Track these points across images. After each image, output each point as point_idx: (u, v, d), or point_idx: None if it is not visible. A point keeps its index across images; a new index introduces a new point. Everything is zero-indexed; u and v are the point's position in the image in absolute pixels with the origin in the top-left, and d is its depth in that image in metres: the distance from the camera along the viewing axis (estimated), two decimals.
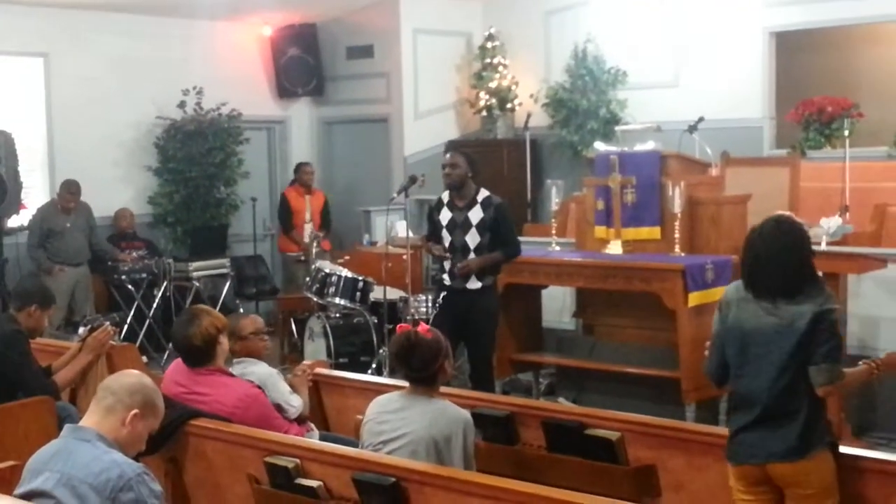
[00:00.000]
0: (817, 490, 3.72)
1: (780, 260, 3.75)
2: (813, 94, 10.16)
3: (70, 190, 9.37)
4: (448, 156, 7.09)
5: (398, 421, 4.04)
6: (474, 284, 6.79)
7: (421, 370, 4.10)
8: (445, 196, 6.95)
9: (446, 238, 6.84)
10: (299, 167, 11.11)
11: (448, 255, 6.80)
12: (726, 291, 4.02)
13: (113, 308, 9.87)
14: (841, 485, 3.75)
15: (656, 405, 6.66)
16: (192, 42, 11.20)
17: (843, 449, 3.86)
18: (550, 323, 8.15)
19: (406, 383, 4.21)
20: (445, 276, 6.85)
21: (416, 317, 7.60)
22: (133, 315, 9.72)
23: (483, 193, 6.92)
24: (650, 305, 6.97)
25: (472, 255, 6.78)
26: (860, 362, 3.91)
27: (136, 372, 3.67)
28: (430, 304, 7.19)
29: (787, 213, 4.08)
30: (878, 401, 7.01)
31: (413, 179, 7.60)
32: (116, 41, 10.64)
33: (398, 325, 4.29)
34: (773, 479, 3.76)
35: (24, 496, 3.46)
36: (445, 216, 6.88)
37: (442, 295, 6.84)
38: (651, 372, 7.02)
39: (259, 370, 4.83)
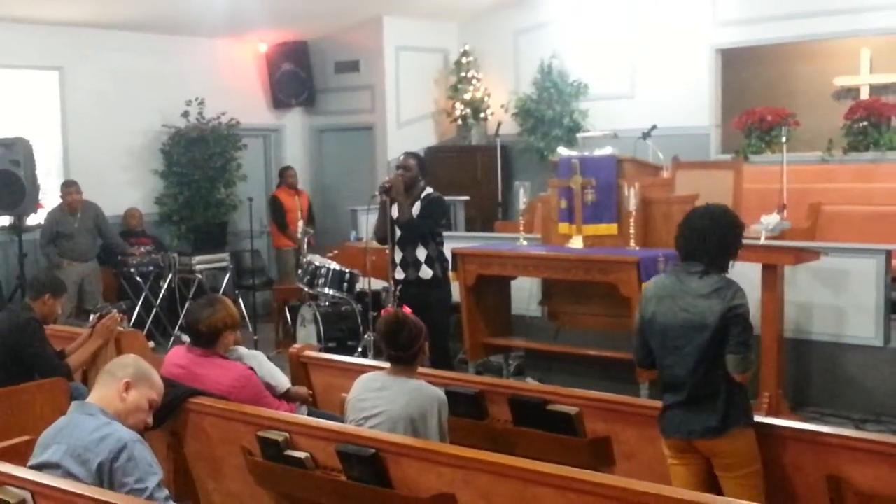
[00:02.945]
0: (738, 459, 3.75)
1: (715, 227, 3.80)
2: (755, 104, 10.21)
3: (69, 189, 9.26)
4: (402, 157, 7.13)
5: (379, 399, 4.02)
6: (426, 274, 6.85)
7: (406, 348, 4.08)
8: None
9: (397, 231, 6.88)
10: (284, 171, 11.01)
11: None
12: (646, 288, 4.05)
13: (123, 298, 9.80)
14: (764, 451, 3.78)
15: (614, 384, 6.63)
16: (194, 57, 11.15)
17: (761, 419, 3.91)
18: (519, 311, 8.12)
19: (387, 364, 4.19)
20: (397, 270, 6.88)
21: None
22: (141, 304, 9.66)
23: (427, 191, 6.96)
24: (608, 294, 6.96)
25: (419, 248, 6.88)
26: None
27: (131, 355, 3.67)
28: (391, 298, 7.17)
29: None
30: (812, 377, 7.05)
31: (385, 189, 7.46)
32: (125, 56, 10.57)
33: (383, 310, 4.28)
34: (697, 450, 3.81)
35: (35, 467, 3.44)
36: (395, 211, 6.91)
37: (397, 289, 6.85)
38: (609, 354, 7.00)
39: (245, 352, 4.81)
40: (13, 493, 3.36)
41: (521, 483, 3.31)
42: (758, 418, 3.88)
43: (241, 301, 10.03)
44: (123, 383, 3.54)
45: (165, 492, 3.45)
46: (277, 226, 10.80)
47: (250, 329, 9.53)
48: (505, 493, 3.35)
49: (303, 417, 4.32)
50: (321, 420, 4.14)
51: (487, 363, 8.15)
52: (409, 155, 7.16)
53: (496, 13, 11.58)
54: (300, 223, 10.41)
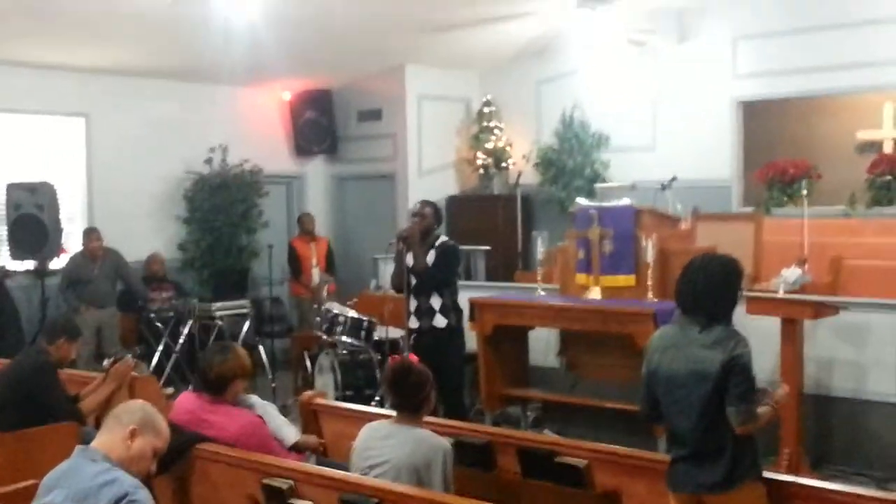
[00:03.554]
0: None
1: (708, 282, 3.73)
2: (777, 157, 10.17)
3: (90, 236, 9.38)
4: (418, 205, 7.14)
5: (384, 447, 4.00)
6: (440, 323, 6.83)
7: (412, 396, 4.06)
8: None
9: (412, 280, 6.88)
10: (301, 218, 11.14)
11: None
12: (651, 339, 3.99)
13: (143, 344, 9.86)
14: None
15: (631, 437, 6.58)
16: (218, 105, 11.29)
17: (771, 475, 3.81)
18: (537, 361, 8.08)
19: (394, 413, 4.17)
20: (412, 319, 6.87)
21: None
22: (162, 350, 9.68)
23: (441, 239, 6.98)
24: (626, 346, 6.91)
25: (433, 297, 6.87)
26: (764, 397, 3.79)
27: (139, 401, 3.65)
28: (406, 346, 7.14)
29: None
30: (833, 434, 6.94)
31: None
32: (151, 103, 10.71)
33: (391, 357, 4.28)
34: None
35: None
36: (411, 260, 6.92)
37: (412, 337, 6.83)
38: (627, 406, 6.93)
39: (257, 401, 4.79)
40: None
41: None
42: (770, 474, 3.80)
43: (261, 348, 10.02)
44: (129, 430, 3.53)
45: None
46: (292, 273, 10.87)
47: (269, 376, 9.53)
48: None
49: (307, 465, 4.30)
50: (325, 469, 4.12)
51: (505, 414, 8.10)
52: (424, 203, 7.19)
53: (518, 63, 11.66)
54: (315, 271, 10.43)
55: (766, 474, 3.77)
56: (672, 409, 3.77)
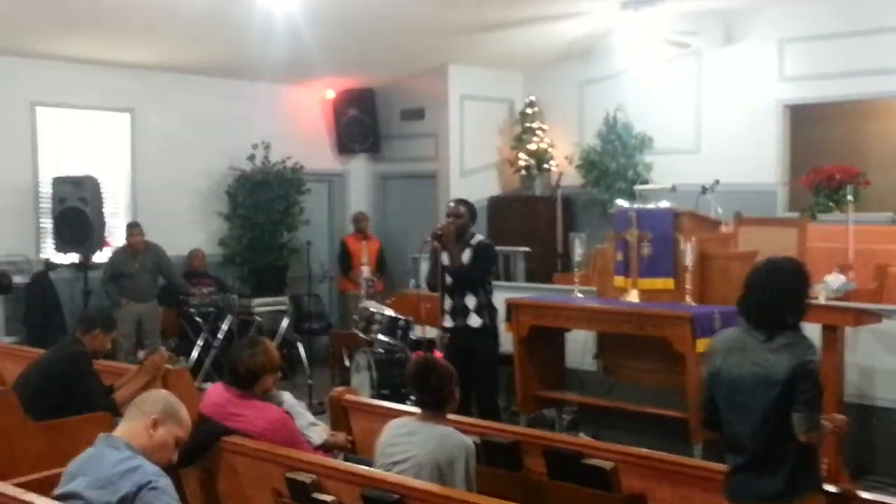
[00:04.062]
0: None
1: (774, 286, 3.60)
2: (825, 162, 10.01)
3: (132, 230, 9.51)
4: (452, 205, 7.14)
5: (407, 444, 3.99)
6: (474, 322, 6.81)
7: (435, 393, 4.05)
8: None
9: (447, 279, 6.86)
10: (356, 216, 11.39)
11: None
12: (714, 341, 3.84)
13: (183, 338, 9.96)
14: None
15: (668, 442, 6.51)
16: (262, 102, 11.36)
17: (832, 488, 3.68)
18: (573, 364, 8.03)
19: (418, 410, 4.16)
20: (446, 318, 6.84)
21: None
22: (201, 345, 9.76)
23: (477, 238, 6.95)
24: (663, 350, 6.85)
25: (468, 296, 6.83)
26: (823, 420, 3.64)
27: (161, 390, 3.68)
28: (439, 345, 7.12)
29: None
30: (875, 444, 6.81)
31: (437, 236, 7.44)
32: (195, 99, 10.82)
33: (414, 353, 4.27)
34: None
35: (59, 497, 3.47)
36: (446, 259, 6.90)
37: (446, 336, 6.81)
38: (663, 411, 6.88)
39: (288, 399, 4.80)
40: None
41: None
42: (830, 487, 3.67)
43: (299, 345, 10.08)
44: (152, 420, 3.55)
45: None
46: (341, 269, 10.96)
47: (307, 373, 9.57)
48: None
49: (330, 460, 4.30)
50: (348, 464, 4.12)
51: (540, 416, 8.05)
52: (459, 202, 7.18)
53: (562, 64, 11.60)
54: (364, 268, 10.49)
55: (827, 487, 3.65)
56: (733, 415, 3.63)
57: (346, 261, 11.06)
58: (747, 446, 3.57)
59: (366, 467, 4.05)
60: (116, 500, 3.32)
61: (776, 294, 3.58)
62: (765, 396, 3.52)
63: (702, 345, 6.55)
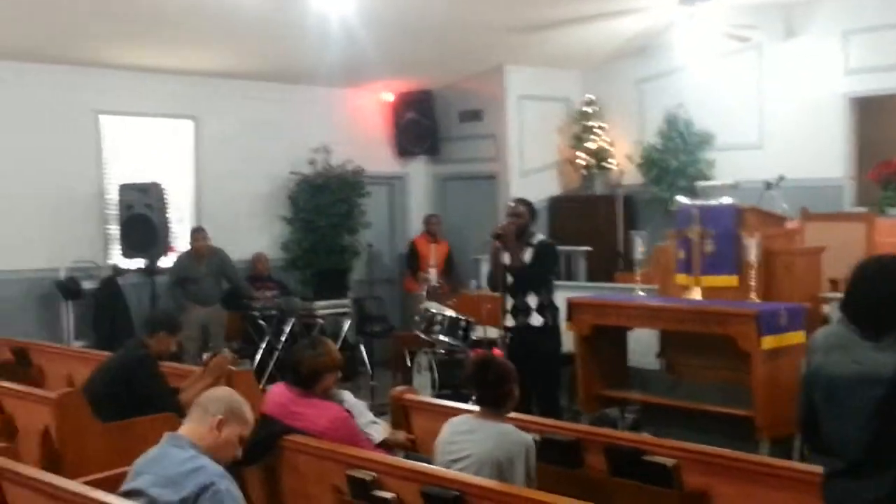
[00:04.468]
0: None
1: (889, 290, 3.31)
2: (892, 155, 9.79)
3: (196, 235, 9.67)
4: (512, 204, 7.13)
5: (467, 442, 4.00)
6: (536, 321, 6.79)
7: (493, 390, 4.06)
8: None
9: (509, 279, 6.86)
10: (428, 218, 11.53)
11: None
12: (813, 338, 3.60)
13: (248, 341, 10.08)
14: None
15: (732, 441, 6.43)
16: (321, 106, 11.45)
17: None
18: (636, 362, 7.98)
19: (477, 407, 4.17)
20: (508, 317, 6.83)
21: None
22: (265, 347, 9.88)
23: (539, 238, 6.94)
24: (728, 348, 6.78)
25: (530, 296, 6.82)
26: None
27: (226, 388, 3.73)
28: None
29: None
30: None
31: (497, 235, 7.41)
32: (256, 105, 10.94)
33: (474, 350, 4.29)
34: None
35: (123, 494, 3.53)
36: (507, 257, 6.90)
37: (508, 336, 6.80)
38: (728, 410, 6.81)
39: (349, 398, 4.85)
40: None
41: None
42: None
43: (362, 347, 10.15)
44: (217, 420, 3.60)
45: None
46: (409, 269, 11.15)
47: (369, 374, 9.64)
48: None
49: (390, 458, 4.32)
50: (408, 461, 4.14)
51: (602, 416, 8.00)
52: (519, 202, 7.18)
53: (620, 61, 11.51)
54: (431, 271, 10.55)
55: None
56: (832, 416, 3.39)
57: (414, 261, 11.17)
58: (849, 450, 3.32)
59: (425, 464, 4.07)
60: (178, 499, 3.37)
61: (885, 296, 3.33)
62: (868, 396, 3.26)
63: (767, 342, 6.50)
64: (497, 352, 4.26)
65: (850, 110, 10.16)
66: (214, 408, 3.63)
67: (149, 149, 10.45)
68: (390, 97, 12.13)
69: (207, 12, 8.63)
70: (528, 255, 6.94)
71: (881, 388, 3.22)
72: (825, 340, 3.48)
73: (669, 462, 4.05)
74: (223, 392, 3.78)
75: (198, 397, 3.78)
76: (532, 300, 6.95)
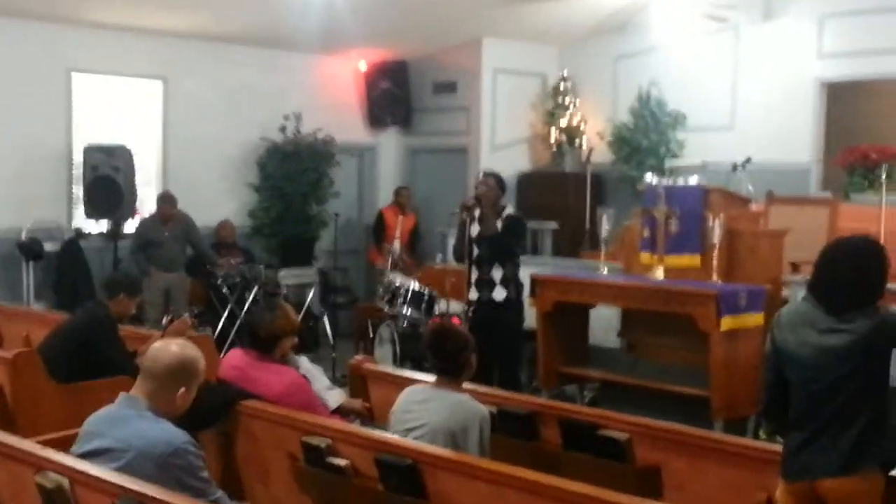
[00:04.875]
0: None
1: (853, 276, 3.42)
2: (860, 141, 9.90)
3: (165, 200, 9.59)
4: (481, 176, 7.14)
5: (422, 411, 4.03)
6: (499, 295, 6.82)
7: (451, 360, 4.09)
8: (477, 213, 6.98)
9: (475, 251, 6.88)
10: (398, 190, 11.48)
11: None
12: (779, 315, 3.68)
13: (210, 308, 10.04)
14: None
15: (689, 421, 6.50)
16: (294, 72, 11.37)
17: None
18: (597, 340, 8.04)
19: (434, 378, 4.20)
20: (472, 290, 6.86)
21: None
22: (227, 315, 9.84)
23: (508, 210, 6.98)
24: (688, 328, 6.84)
25: (495, 269, 6.88)
26: None
27: (173, 347, 3.66)
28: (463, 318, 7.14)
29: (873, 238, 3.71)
30: None
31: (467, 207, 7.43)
32: (227, 69, 10.85)
33: (432, 319, 4.31)
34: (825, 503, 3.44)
35: (83, 455, 3.52)
36: (475, 230, 6.94)
37: (470, 309, 6.83)
38: (685, 390, 6.89)
39: (305, 363, 4.86)
40: (52, 479, 3.45)
41: (554, 502, 3.27)
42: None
43: (325, 318, 10.14)
44: (181, 392, 3.59)
45: (220, 492, 3.54)
46: (374, 240, 11.12)
47: (332, 346, 9.64)
48: None
49: (344, 424, 4.35)
50: (362, 429, 4.17)
51: (561, 393, 8.07)
52: (488, 174, 7.19)
53: (597, 38, 11.50)
54: (396, 242, 10.55)
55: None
56: (800, 391, 3.50)
57: (379, 232, 11.11)
58: (813, 420, 3.44)
59: (380, 432, 4.10)
60: (146, 463, 3.37)
61: (851, 276, 3.42)
62: (832, 368, 3.39)
63: (726, 323, 6.57)
64: (456, 321, 4.27)
65: (822, 95, 10.24)
66: (175, 382, 3.57)
67: (118, 109, 10.34)
68: (364, 66, 12.06)
69: None
70: (498, 227, 6.96)
71: (843, 362, 3.37)
72: (790, 317, 3.59)
73: (622, 436, 4.11)
74: (175, 359, 3.61)
75: (146, 358, 3.65)
76: (497, 273, 6.97)
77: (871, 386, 3.40)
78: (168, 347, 3.65)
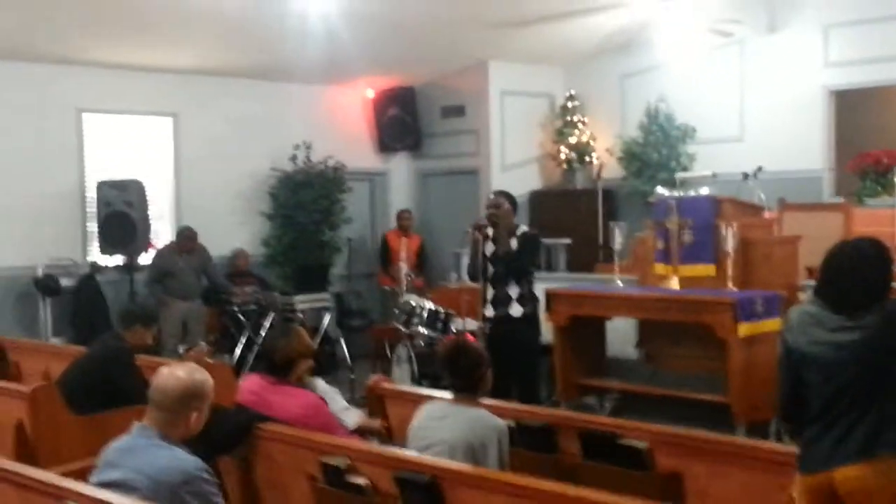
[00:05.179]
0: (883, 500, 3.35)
1: (862, 275, 3.45)
2: (871, 147, 9.86)
3: (186, 235, 9.68)
4: (493, 197, 7.12)
5: (439, 427, 4.00)
6: (516, 312, 6.78)
7: (466, 376, 4.06)
8: (490, 232, 6.96)
9: (490, 269, 6.85)
10: (399, 213, 11.51)
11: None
12: (789, 316, 3.69)
13: (227, 337, 10.04)
14: None
15: (711, 428, 6.46)
16: (302, 103, 11.43)
17: None
18: (614, 352, 8.02)
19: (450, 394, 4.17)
20: (487, 307, 6.83)
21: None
22: (245, 343, 9.83)
23: (523, 228, 6.96)
24: (705, 337, 6.82)
25: (511, 286, 6.80)
26: None
27: (179, 374, 3.62)
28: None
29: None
30: None
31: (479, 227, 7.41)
32: (236, 103, 10.91)
33: (446, 337, 4.29)
34: (841, 498, 3.40)
35: (101, 485, 3.51)
36: (489, 249, 6.91)
37: (487, 326, 6.79)
38: (705, 397, 6.88)
39: (321, 385, 4.85)
40: None
41: None
42: None
43: (342, 341, 10.13)
44: (193, 418, 3.59)
45: None
46: (381, 264, 11.21)
47: (349, 367, 9.62)
48: None
49: (362, 444, 4.32)
50: (380, 447, 4.14)
51: (582, 404, 8.03)
52: (498, 193, 7.17)
53: (602, 57, 11.53)
54: (402, 264, 10.56)
55: None
56: (812, 386, 3.51)
57: (385, 257, 11.20)
58: (828, 414, 3.45)
59: (399, 450, 4.07)
60: (159, 492, 3.36)
61: (857, 278, 3.45)
62: (845, 364, 3.41)
63: (744, 329, 6.54)
64: (470, 338, 4.25)
65: (830, 103, 10.22)
66: (187, 410, 3.57)
67: (129, 146, 10.41)
68: (372, 93, 12.10)
69: (188, 10, 8.62)
70: (512, 245, 6.94)
71: (855, 357, 3.38)
72: (800, 319, 3.60)
73: (642, 445, 4.06)
74: (182, 387, 3.59)
75: (154, 388, 3.60)
76: (513, 290, 6.94)
77: (884, 378, 3.40)
78: (174, 375, 3.62)
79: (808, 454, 3.50)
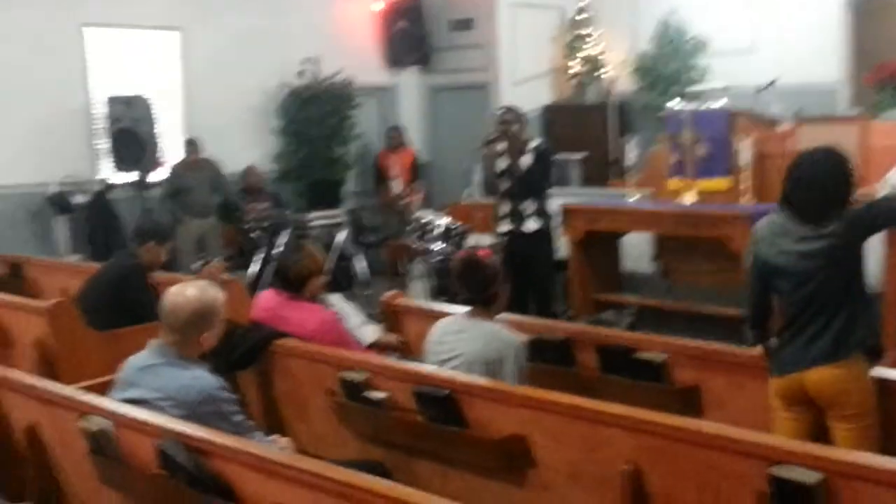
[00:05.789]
0: (856, 410, 3.51)
1: (822, 184, 3.56)
2: (892, 57, 9.66)
3: (189, 145, 9.62)
4: (501, 112, 7.03)
5: (456, 342, 4.00)
6: (530, 227, 6.75)
7: (480, 291, 4.05)
8: (500, 148, 6.88)
9: (502, 184, 6.80)
10: (388, 131, 11.39)
11: None
12: (756, 229, 3.84)
13: (242, 254, 10.04)
14: (883, 406, 3.54)
15: (727, 341, 6.49)
16: (310, 16, 11.21)
17: (883, 372, 3.63)
18: (630, 267, 8.00)
19: (466, 308, 4.15)
20: (502, 223, 6.80)
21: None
22: (259, 260, 9.82)
23: (535, 142, 6.88)
24: (720, 250, 6.79)
25: (525, 201, 6.72)
26: None
27: (188, 293, 3.61)
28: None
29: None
30: None
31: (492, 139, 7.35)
32: (243, 16, 10.72)
33: (460, 251, 4.27)
34: (812, 398, 3.58)
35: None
36: (501, 165, 6.83)
37: (503, 241, 6.77)
38: (721, 310, 6.86)
39: (337, 301, 4.84)
40: (96, 423, 3.47)
41: (592, 424, 3.25)
42: (881, 371, 3.64)
43: (359, 257, 10.11)
44: (204, 337, 3.59)
45: (257, 434, 3.59)
46: (375, 183, 11.18)
47: (367, 283, 9.64)
48: (576, 435, 3.29)
49: (381, 358, 4.33)
50: (399, 362, 4.15)
51: (599, 320, 8.03)
52: (506, 110, 7.07)
53: None
54: (396, 181, 10.51)
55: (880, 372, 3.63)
56: (785, 297, 3.67)
57: (378, 175, 11.12)
58: (798, 319, 3.60)
59: (416, 364, 4.08)
60: (180, 411, 3.39)
61: (822, 189, 3.56)
62: (812, 271, 3.55)
63: None
64: (483, 252, 4.21)
65: (848, 11, 9.99)
66: (197, 331, 3.58)
67: (136, 62, 10.24)
68: (380, 5, 11.88)
69: None
70: (527, 160, 6.86)
71: (821, 264, 3.54)
72: (768, 230, 3.76)
73: (659, 358, 4.07)
74: (192, 308, 3.57)
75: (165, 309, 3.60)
76: (528, 206, 6.90)
77: (849, 283, 3.57)
78: (184, 295, 3.61)
79: (780, 357, 3.67)
